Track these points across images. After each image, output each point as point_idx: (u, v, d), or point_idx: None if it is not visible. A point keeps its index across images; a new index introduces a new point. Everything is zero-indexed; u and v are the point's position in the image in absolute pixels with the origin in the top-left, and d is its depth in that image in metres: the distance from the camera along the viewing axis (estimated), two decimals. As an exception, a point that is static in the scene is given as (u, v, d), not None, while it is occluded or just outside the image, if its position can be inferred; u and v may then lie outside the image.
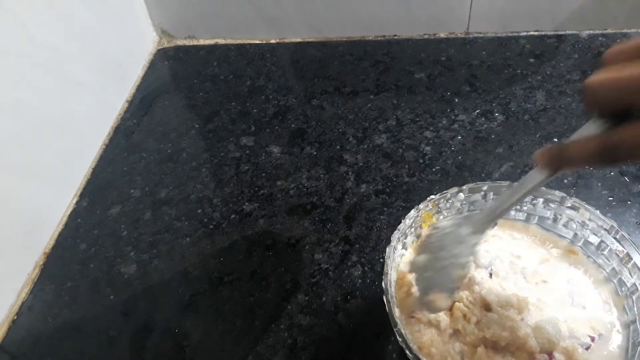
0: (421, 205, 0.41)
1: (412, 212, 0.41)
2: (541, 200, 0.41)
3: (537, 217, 0.42)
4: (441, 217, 0.43)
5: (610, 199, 0.50)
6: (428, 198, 0.42)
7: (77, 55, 0.60)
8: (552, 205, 0.41)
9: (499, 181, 0.42)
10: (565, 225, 0.41)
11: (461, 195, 0.42)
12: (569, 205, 0.40)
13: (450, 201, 0.43)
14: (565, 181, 0.52)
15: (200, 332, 0.44)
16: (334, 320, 0.44)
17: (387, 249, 0.38)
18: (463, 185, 0.42)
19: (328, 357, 0.41)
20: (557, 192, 0.40)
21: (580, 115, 0.59)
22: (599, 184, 0.51)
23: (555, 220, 0.42)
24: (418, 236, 0.42)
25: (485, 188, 0.42)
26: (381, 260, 0.48)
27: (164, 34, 0.80)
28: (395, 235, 0.39)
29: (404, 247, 0.41)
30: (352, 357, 0.41)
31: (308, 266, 0.48)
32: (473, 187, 0.42)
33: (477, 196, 0.43)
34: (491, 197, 0.42)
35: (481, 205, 0.43)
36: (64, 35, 0.58)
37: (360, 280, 0.46)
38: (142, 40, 0.77)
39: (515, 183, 0.32)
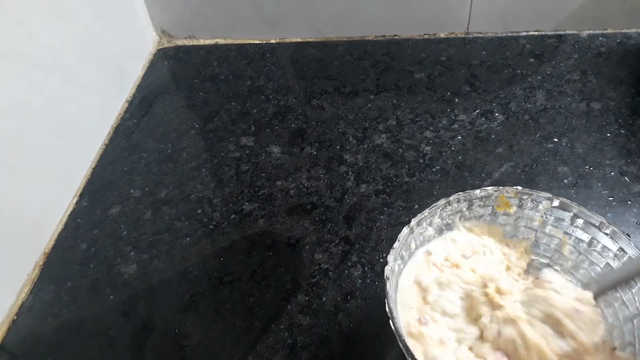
0: (502, 188, 0.40)
1: (490, 189, 0.40)
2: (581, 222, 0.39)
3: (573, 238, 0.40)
4: (519, 213, 0.41)
5: (610, 199, 0.50)
6: (514, 187, 0.40)
7: (77, 56, 0.60)
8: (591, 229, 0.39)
9: (590, 212, 0.38)
10: (600, 253, 0.39)
11: (547, 204, 0.40)
12: (607, 231, 0.38)
13: (536, 202, 0.40)
14: (566, 181, 0.52)
15: (200, 332, 0.44)
16: (334, 320, 0.44)
17: (440, 201, 0.39)
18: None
19: (328, 357, 0.41)
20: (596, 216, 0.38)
21: (580, 115, 0.59)
22: (599, 184, 0.51)
23: (590, 244, 0.39)
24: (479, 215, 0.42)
25: (575, 211, 0.39)
26: (381, 260, 0.48)
27: (164, 34, 0.80)
28: (457, 196, 0.39)
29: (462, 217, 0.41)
30: (352, 357, 0.41)
31: (308, 266, 0.48)
32: (565, 202, 0.39)
33: (565, 215, 0.39)
34: (579, 223, 0.39)
35: (565, 227, 0.40)
36: (64, 36, 0.58)
37: (360, 281, 0.46)
38: (142, 40, 0.77)
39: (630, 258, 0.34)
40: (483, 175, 0.54)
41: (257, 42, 0.77)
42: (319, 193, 0.54)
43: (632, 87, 0.61)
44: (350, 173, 0.56)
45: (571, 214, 0.39)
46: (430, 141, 0.58)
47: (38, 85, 0.53)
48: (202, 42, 0.79)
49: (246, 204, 0.54)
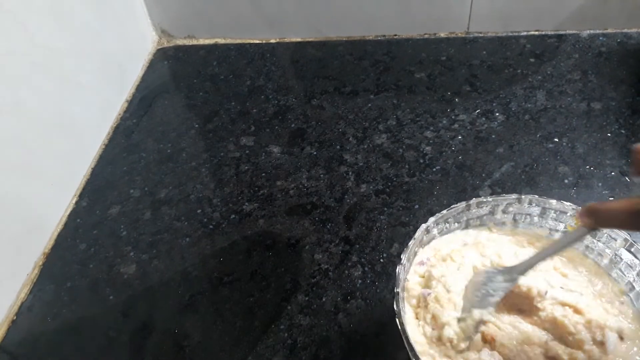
0: (579, 208, 0.37)
1: (567, 205, 0.38)
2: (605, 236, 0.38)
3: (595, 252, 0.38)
4: (593, 242, 0.38)
5: (611, 199, 0.50)
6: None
7: (76, 55, 0.60)
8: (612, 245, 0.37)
9: None
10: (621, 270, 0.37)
11: (620, 244, 0.36)
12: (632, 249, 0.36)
13: (611, 237, 0.37)
14: (566, 181, 0.52)
15: (200, 332, 0.44)
16: (334, 320, 0.44)
17: (512, 195, 0.38)
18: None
19: (328, 358, 0.41)
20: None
21: (581, 114, 0.59)
22: (600, 184, 0.51)
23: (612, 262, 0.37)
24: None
25: None
26: (381, 260, 0.47)
27: (163, 34, 0.80)
28: (530, 197, 0.38)
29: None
30: (352, 357, 0.41)
31: (308, 266, 0.48)
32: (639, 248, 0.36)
33: (636, 263, 0.36)
34: None
35: (632, 277, 0.37)
36: (64, 36, 0.58)
37: (360, 281, 0.46)
38: (142, 40, 0.77)
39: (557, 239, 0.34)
40: (483, 175, 0.54)
41: (257, 42, 0.77)
42: (319, 193, 0.54)
43: (633, 87, 0.61)
44: (350, 173, 0.56)
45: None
46: (431, 141, 0.58)
47: (38, 85, 0.53)
48: (201, 41, 0.79)
49: (246, 204, 0.54)
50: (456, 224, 0.40)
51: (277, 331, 0.43)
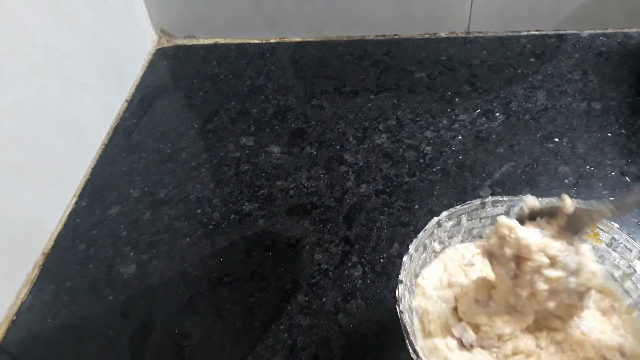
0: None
1: (594, 206, 0.36)
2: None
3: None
4: (608, 251, 0.37)
5: (611, 199, 0.50)
6: (611, 222, 0.36)
7: (76, 55, 0.60)
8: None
9: None
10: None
11: (635, 255, 0.35)
12: None
13: (626, 249, 0.36)
14: (566, 181, 0.52)
15: (200, 332, 0.44)
16: (334, 320, 0.43)
17: (528, 195, 0.37)
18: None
19: (328, 358, 0.41)
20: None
21: (581, 114, 0.59)
22: (600, 184, 0.51)
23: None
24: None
25: None
26: (381, 260, 0.47)
27: (163, 34, 0.80)
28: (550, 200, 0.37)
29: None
30: (352, 357, 0.41)
31: (308, 266, 0.48)
32: None
33: None
34: None
35: None
36: (64, 35, 0.58)
37: (360, 281, 0.46)
38: (142, 40, 0.77)
39: None
40: (484, 175, 0.54)
41: (257, 41, 0.77)
42: (319, 193, 0.54)
43: (633, 87, 0.61)
44: (350, 173, 0.56)
45: None
46: (431, 141, 0.58)
47: (38, 85, 0.53)
48: (201, 41, 0.79)
49: (246, 204, 0.54)
50: (470, 220, 0.40)
51: (277, 331, 0.43)
